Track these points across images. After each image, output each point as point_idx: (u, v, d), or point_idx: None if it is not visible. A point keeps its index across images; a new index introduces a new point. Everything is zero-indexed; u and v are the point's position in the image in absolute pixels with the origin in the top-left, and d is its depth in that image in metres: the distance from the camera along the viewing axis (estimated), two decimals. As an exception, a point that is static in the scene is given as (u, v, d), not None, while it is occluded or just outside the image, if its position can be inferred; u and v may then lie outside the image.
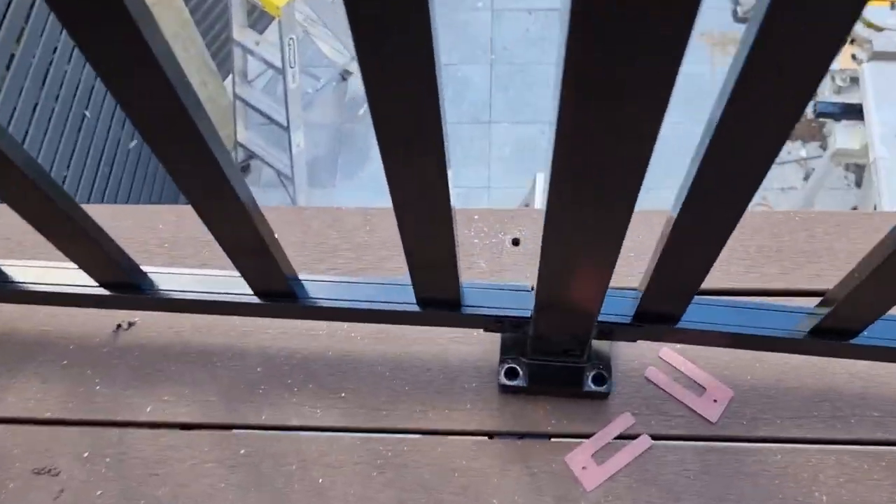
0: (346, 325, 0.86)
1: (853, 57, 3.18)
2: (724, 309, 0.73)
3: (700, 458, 0.79)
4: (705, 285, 0.66)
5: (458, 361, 0.84)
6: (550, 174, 0.49)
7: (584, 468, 0.79)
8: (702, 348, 0.83)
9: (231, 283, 0.76)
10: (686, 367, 0.83)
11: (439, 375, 0.83)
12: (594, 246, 0.59)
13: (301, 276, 0.76)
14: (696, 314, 0.72)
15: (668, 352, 0.84)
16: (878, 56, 3.12)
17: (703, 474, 0.78)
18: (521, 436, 0.81)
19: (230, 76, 3.61)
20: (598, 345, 0.81)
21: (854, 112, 3.16)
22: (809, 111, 3.30)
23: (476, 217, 0.92)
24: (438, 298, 0.73)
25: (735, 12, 4.18)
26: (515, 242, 0.91)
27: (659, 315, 0.72)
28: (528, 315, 0.74)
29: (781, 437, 0.79)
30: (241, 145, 3.64)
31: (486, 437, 0.81)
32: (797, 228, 0.90)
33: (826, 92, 3.25)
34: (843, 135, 3.18)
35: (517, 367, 0.80)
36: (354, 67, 3.75)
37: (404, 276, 0.74)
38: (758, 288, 0.87)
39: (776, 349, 0.76)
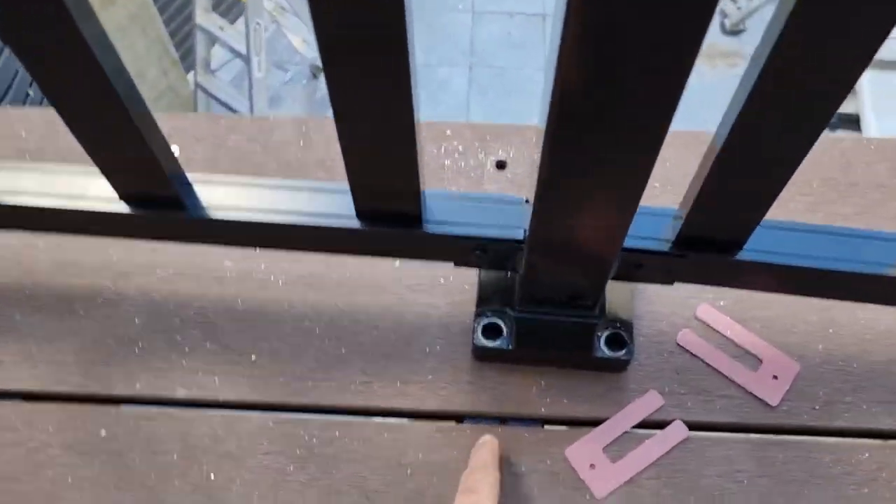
0: (263, 265, 0.62)
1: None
2: (807, 235, 0.50)
3: (756, 455, 0.55)
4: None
5: (418, 316, 0.60)
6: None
7: (592, 466, 0.55)
8: (754, 306, 0.61)
9: (83, 183, 0.52)
10: (734, 330, 0.60)
11: (390, 335, 0.60)
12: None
13: (190, 177, 0.52)
14: (765, 240, 0.50)
15: (709, 309, 0.61)
16: (876, 65, 2.98)
17: (761, 477, 0.55)
18: (504, 420, 0.57)
19: (193, 71, 3.38)
20: (615, 294, 0.58)
21: (851, 122, 3.01)
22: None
23: (448, 132, 0.69)
24: (389, 210, 0.50)
25: (723, 24, 4.04)
26: (500, 165, 0.67)
27: (711, 241, 0.49)
28: (521, 237, 0.50)
29: (869, 428, 0.56)
30: (201, 140, 3.39)
31: (452, 422, 0.57)
32: (874, 159, 0.68)
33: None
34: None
35: (500, 323, 0.57)
36: (326, 62, 3.53)
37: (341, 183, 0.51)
38: (825, 231, 0.64)
39: (870, 296, 0.54)
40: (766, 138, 0.40)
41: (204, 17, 3.13)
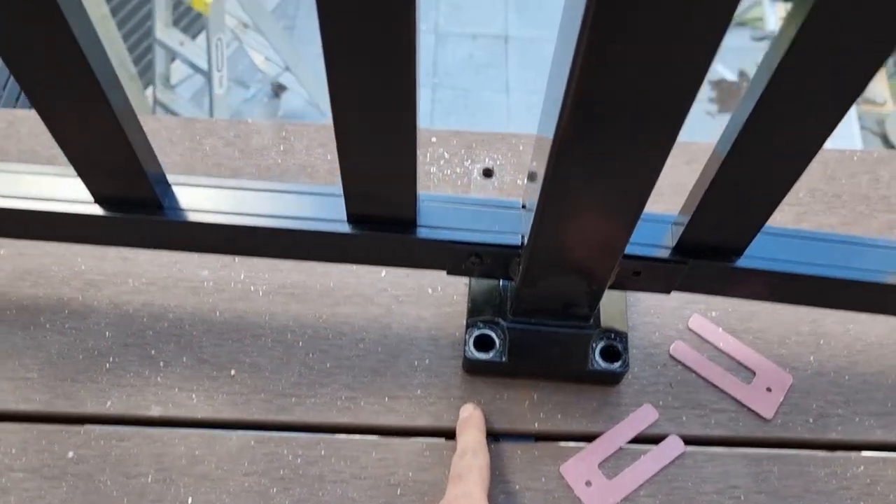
0: (242, 274, 0.60)
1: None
2: (806, 241, 0.50)
3: (752, 468, 0.54)
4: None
5: (406, 329, 0.58)
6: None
7: (587, 483, 0.53)
8: (746, 317, 0.60)
9: (57, 185, 0.49)
10: (727, 342, 0.59)
11: (377, 348, 0.57)
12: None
13: (170, 178, 0.50)
14: (765, 247, 0.49)
15: (701, 321, 0.60)
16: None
17: (758, 493, 0.53)
18: (496, 436, 0.55)
19: (151, 86, 3.31)
20: (609, 305, 0.57)
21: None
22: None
23: (434, 140, 0.67)
24: (383, 214, 0.48)
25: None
26: (487, 173, 0.66)
27: (711, 248, 0.48)
28: (519, 244, 0.49)
29: (863, 441, 0.56)
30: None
31: (443, 439, 0.55)
32: (857, 171, 0.68)
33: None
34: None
35: (492, 335, 0.55)
36: (287, 80, 3.50)
37: (330, 185, 0.49)
38: (813, 242, 0.64)
39: (867, 305, 0.53)
40: (768, 152, 0.39)
41: (164, 31, 3.08)
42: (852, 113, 3.04)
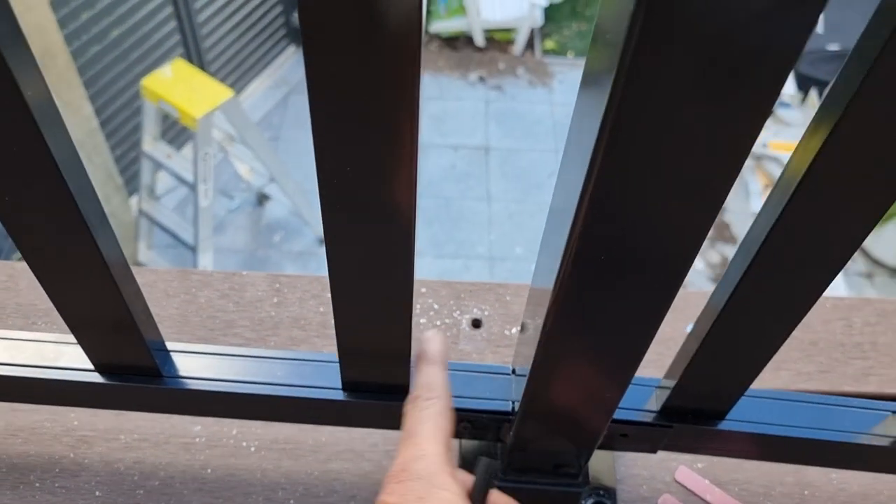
0: (234, 429, 0.60)
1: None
2: (787, 403, 0.51)
3: None
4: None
5: (397, 485, 0.58)
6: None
7: None
8: (731, 469, 0.61)
9: (59, 353, 0.50)
10: (713, 494, 0.60)
11: (368, 505, 0.57)
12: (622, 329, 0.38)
13: (169, 346, 0.51)
14: (747, 410, 0.51)
15: (688, 473, 0.60)
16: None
17: None
18: None
19: (136, 195, 3.36)
20: (597, 461, 0.58)
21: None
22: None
23: (423, 290, 0.69)
24: (375, 381, 0.49)
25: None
26: (476, 324, 0.68)
27: (695, 411, 0.50)
28: (510, 409, 0.50)
29: None
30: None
31: None
32: (830, 317, 0.71)
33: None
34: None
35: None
36: (272, 191, 3.57)
37: (325, 353, 0.50)
38: (792, 390, 0.66)
39: (849, 463, 0.54)
40: (754, 319, 0.42)
41: (151, 144, 3.15)
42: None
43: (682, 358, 0.47)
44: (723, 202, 0.31)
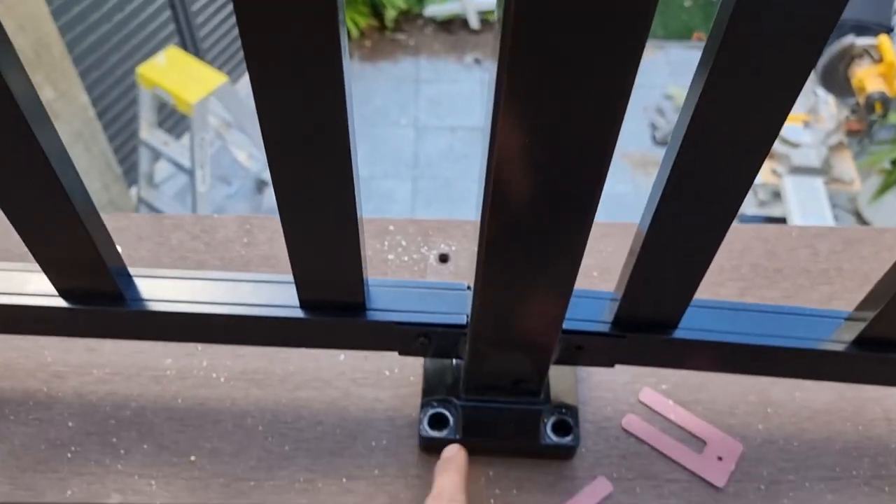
0: (205, 361, 0.61)
1: (773, 172, 3.23)
2: (739, 313, 0.52)
3: (707, 539, 0.55)
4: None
5: (363, 411, 0.59)
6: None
7: (544, 559, 0.54)
8: (695, 389, 0.62)
9: (25, 280, 0.51)
10: (677, 413, 0.61)
11: (335, 430, 0.58)
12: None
13: (132, 271, 0.52)
14: (698, 319, 0.51)
15: (651, 393, 0.61)
16: (797, 170, 3.17)
17: (713, 564, 0.54)
18: (453, 514, 0.56)
19: (136, 185, 3.38)
20: (559, 380, 0.59)
21: (780, 223, 3.15)
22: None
23: (391, 228, 0.70)
24: (333, 299, 0.50)
25: (654, 136, 4.25)
26: (443, 259, 0.69)
27: (647, 322, 0.51)
28: (464, 323, 0.51)
29: (814, 507, 0.57)
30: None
31: (401, 518, 0.56)
32: (796, 245, 0.71)
33: (750, 206, 3.25)
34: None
35: (446, 413, 0.56)
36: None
37: (283, 275, 0.51)
38: (757, 315, 0.67)
39: (804, 372, 0.55)
40: (682, 227, 0.43)
41: (149, 132, 3.17)
42: (822, 193, 3.14)
43: (626, 269, 0.48)
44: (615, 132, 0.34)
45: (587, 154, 0.35)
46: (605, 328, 0.51)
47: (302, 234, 0.44)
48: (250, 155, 3.63)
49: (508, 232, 0.40)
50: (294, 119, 0.36)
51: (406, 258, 0.68)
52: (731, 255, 0.70)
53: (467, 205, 3.87)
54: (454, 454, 0.54)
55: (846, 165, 3.26)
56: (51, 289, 0.51)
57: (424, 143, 4.16)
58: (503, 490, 0.56)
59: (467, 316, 0.51)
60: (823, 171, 3.14)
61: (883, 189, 3.20)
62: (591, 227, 0.40)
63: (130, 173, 3.56)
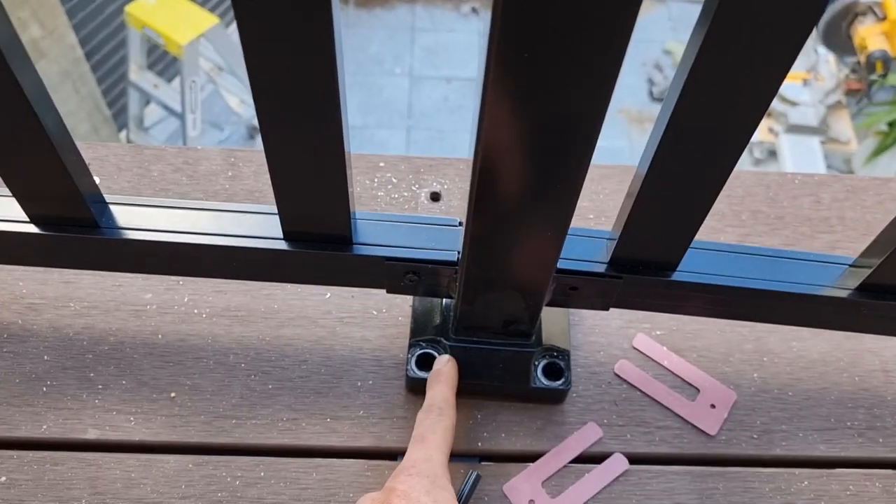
0: (186, 297, 0.59)
1: (770, 130, 3.20)
2: (741, 256, 0.50)
3: (697, 485, 0.54)
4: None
5: (350, 350, 0.58)
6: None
7: (531, 502, 0.53)
8: (689, 336, 0.60)
9: (-7, 204, 0.49)
10: (671, 360, 0.59)
11: (320, 369, 0.57)
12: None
13: (108, 198, 0.50)
14: (698, 261, 0.50)
15: (645, 339, 0.60)
16: (793, 129, 3.14)
17: (703, 511, 0.53)
18: (439, 456, 0.54)
19: (126, 129, 3.32)
20: (551, 324, 0.57)
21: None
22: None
23: (382, 164, 0.68)
24: (318, 232, 0.48)
25: (651, 92, 4.20)
26: (434, 197, 0.66)
27: (645, 263, 0.49)
28: (455, 259, 0.49)
29: (807, 456, 0.56)
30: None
31: (386, 459, 0.54)
32: (799, 193, 0.69)
33: (746, 164, 3.23)
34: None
35: (434, 354, 0.55)
36: (263, 122, 3.52)
37: (266, 206, 0.49)
38: (756, 262, 0.65)
39: (806, 319, 0.54)
40: (681, 176, 0.40)
41: (138, 74, 3.10)
42: (818, 152, 3.12)
43: (624, 209, 0.46)
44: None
45: (584, 96, 0.33)
46: (601, 268, 0.49)
47: (286, 165, 0.42)
48: (242, 100, 3.56)
49: (502, 164, 0.37)
50: (279, 51, 0.33)
51: (396, 195, 0.66)
52: (731, 201, 0.68)
53: (461, 156, 3.82)
54: (444, 366, 0.53)
55: (843, 125, 3.23)
56: (22, 214, 0.48)
57: (419, 93, 4.10)
58: (490, 433, 0.55)
59: (459, 252, 0.49)
60: (820, 130, 3.11)
61: (878, 151, 3.17)
62: (589, 161, 0.37)
63: (120, 116, 3.49)
